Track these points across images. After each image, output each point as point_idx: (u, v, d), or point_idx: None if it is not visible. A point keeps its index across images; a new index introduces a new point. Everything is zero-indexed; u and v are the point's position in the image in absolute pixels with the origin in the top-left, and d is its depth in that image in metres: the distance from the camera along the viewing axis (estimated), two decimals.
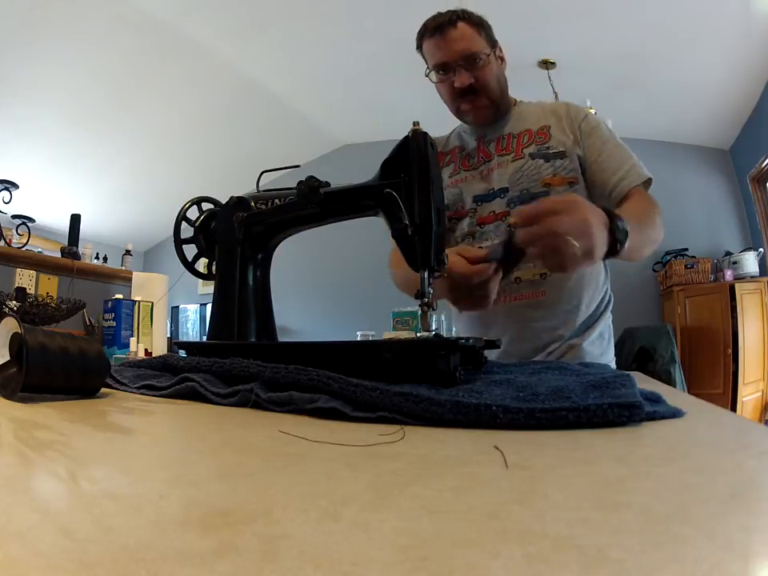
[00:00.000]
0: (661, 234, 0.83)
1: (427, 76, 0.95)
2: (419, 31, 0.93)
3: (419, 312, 0.56)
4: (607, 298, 0.97)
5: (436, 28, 0.90)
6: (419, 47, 0.95)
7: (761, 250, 3.17)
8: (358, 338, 2.49)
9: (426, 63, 0.95)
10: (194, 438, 0.33)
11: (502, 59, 0.96)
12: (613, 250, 0.63)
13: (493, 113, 0.96)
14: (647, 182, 0.88)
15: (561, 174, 0.91)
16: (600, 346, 0.93)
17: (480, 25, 0.92)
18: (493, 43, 0.93)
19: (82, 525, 0.16)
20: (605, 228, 0.61)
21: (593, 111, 2.78)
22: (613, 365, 0.95)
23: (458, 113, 0.97)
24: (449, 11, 0.90)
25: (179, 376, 0.48)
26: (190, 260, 0.78)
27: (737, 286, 2.97)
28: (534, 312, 0.89)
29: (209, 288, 4.16)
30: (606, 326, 0.95)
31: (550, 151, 0.92)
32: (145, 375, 0.54)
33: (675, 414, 0.34)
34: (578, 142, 0.92)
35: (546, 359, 0.89)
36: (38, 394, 0.43)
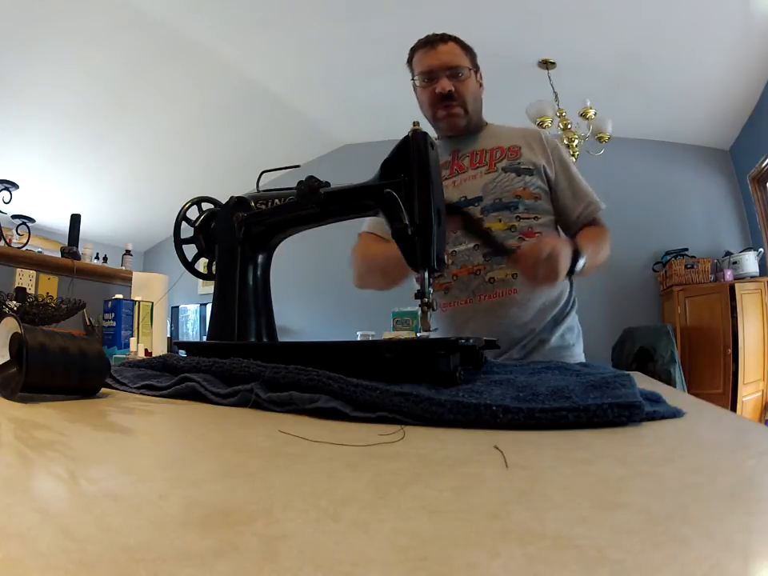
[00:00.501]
0: (607, 253, 1.01)
1: (413, 80, 1.05)
2: (412, 47, 1.04)
3: (419, 312, 0.56)
4: (572, 298, 1.06)
5: (427, 42, 1.01)
6: (409, 60, 1.05)
7: (761, 249, 3.17)
8: (358, 338, 2.49)
9: (413, 75, 1.05)
10: (194, 438, 0.33)
11: (481, 84, 1.06)
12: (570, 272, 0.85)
13: (465, 124, 1.03)
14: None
15: (529, 189, 1.01)
16: (571, 338, 1.01)
17: (467, 48, 1.03)
18: (476, 67, 1.03)
19: (82, 525, 0.16)
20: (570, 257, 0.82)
21: (592, 112, 2.79)
22: (582, 357, 1.03)
23: (434, 119, 1.04)
24: (442, 33, 1.02)
25: (179, 376, 0.48)
26: (190, 260, 0.78)
27: (737, 285, 2.97)
28: (508, 309, 0.95)
29: (209, 288, 4.16)
30: (574, 323, 1.04)
31: (521, 166, 1.01)
32: (145, 375, 0.54)
33: (675, 414, 0.34)
34: (551, 165, 1.03)
35: (520, 352, 0.95)
36: (38, 394, 0.43)
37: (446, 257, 0.93)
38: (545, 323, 0.97)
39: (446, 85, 0.98)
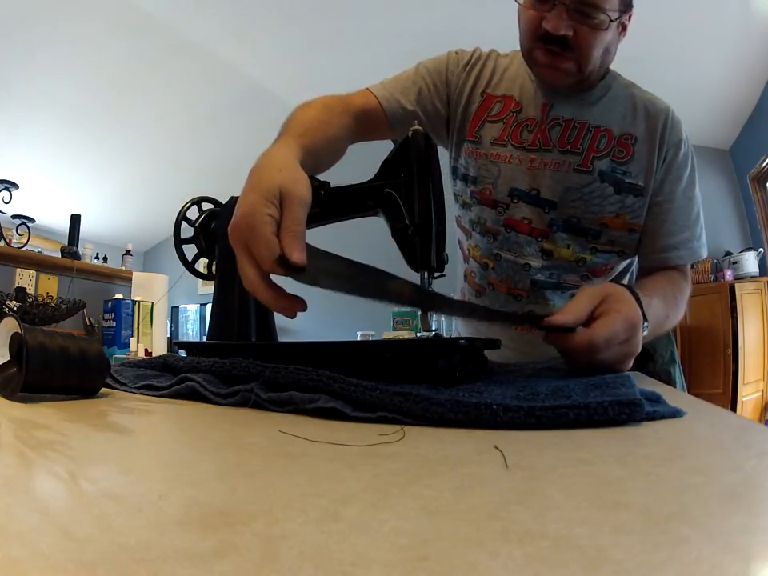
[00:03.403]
0: (678, 320, 0.73)
1: None
2: None
3: (419, 312, 0.56)
4: None
5: None
6: None
7: (761, 249, 3.17)
8: (358, 338, 2.49)
9: None
10: (194, 438, 0.33)
11: (624, 28, 0.70)
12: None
13: (573, 83, 0.72)
14: None
15: (626, 216, 0.74)
16: None
17: None
18: (626, 6, 0.67)
19: (82, 525, 0.16)
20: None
21: None
22: None
23: (529, 57, 0.72)
24: None
25: (179, 376, 0.48)
26: (190, 260, 0.78)
27: (737, 285, 2.97)
28: (542, 349, 0.79)
29: (209, 288, 4.17)
30: None
31: (626, 180, 0.73)
32: (145, 375, 0.54)
33: (675, 413, 0.34)
34: (656, 175, 0.73)
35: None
36: (38, 394, 0.43)
37: (488, 261, 0.81)
38: None
39: (559, 25, 0.63)
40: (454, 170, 0.85)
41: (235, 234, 0.45)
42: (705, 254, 0.77)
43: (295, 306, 0.46)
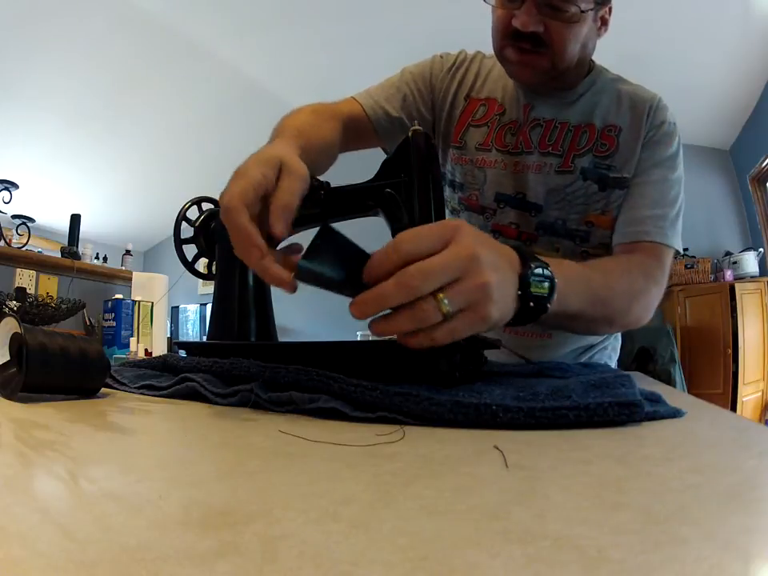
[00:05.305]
0: (632, 318, 0.62)
1: None
2: None
3: None
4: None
5: None
6: None
7: (761, 250, 3.17)
8: (358, 338, 2.49)
9: None
10: (194, 438, 0.33)
11: (605, 23, 0.67)
12: (529, 311, 0.41)
13: (547, 80, 0.69)
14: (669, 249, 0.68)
15: (613, 211, 0.71)
16: (600, 359, 0.86)
17: None
18: (604, 1, 0.64)
19: (82, 525, 0.16)
20: (512, 272, 0.40)
21: None
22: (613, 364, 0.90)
23: (501, 56, 0.69)
24: None
25: (179, 376, 0.48)
26: (190, 260, 0.78)
27: (737, 286, 2.97)
28: (537, 351, 0.79)
29: (209, 288, 4.17)
30: (603, 355, 0.86)
31: (610, 175, 0.70)
32: (145, 375, 0.54)
33: (675, 413, 0.34)
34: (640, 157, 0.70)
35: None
36: (38, 394, 0.43)
37: None
38: (576, 362, 0.80)
39: (527, 21, 0.61)
40: (442, 176, 0.85)
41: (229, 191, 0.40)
42: (678, 245, 0.69)
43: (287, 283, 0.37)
